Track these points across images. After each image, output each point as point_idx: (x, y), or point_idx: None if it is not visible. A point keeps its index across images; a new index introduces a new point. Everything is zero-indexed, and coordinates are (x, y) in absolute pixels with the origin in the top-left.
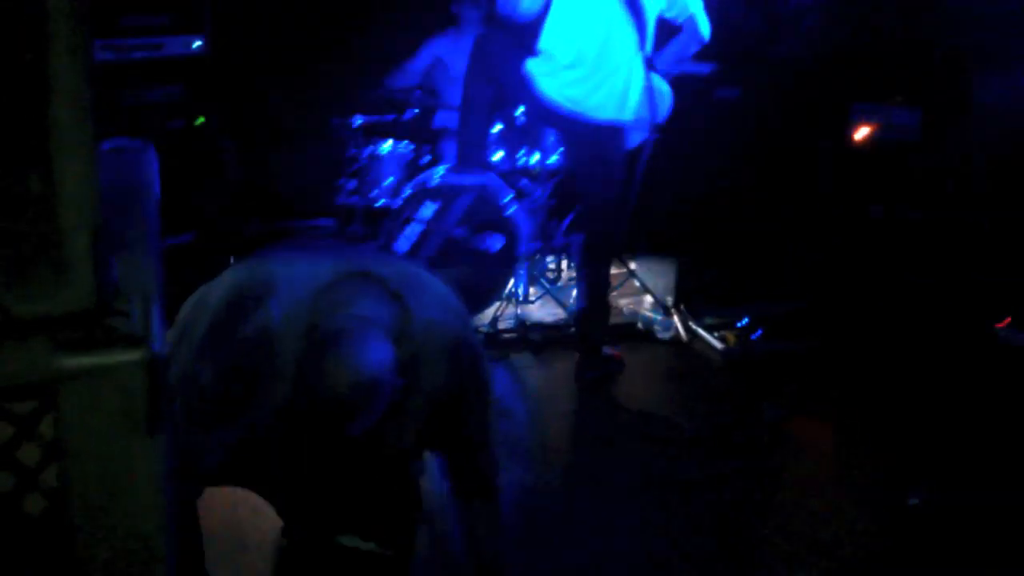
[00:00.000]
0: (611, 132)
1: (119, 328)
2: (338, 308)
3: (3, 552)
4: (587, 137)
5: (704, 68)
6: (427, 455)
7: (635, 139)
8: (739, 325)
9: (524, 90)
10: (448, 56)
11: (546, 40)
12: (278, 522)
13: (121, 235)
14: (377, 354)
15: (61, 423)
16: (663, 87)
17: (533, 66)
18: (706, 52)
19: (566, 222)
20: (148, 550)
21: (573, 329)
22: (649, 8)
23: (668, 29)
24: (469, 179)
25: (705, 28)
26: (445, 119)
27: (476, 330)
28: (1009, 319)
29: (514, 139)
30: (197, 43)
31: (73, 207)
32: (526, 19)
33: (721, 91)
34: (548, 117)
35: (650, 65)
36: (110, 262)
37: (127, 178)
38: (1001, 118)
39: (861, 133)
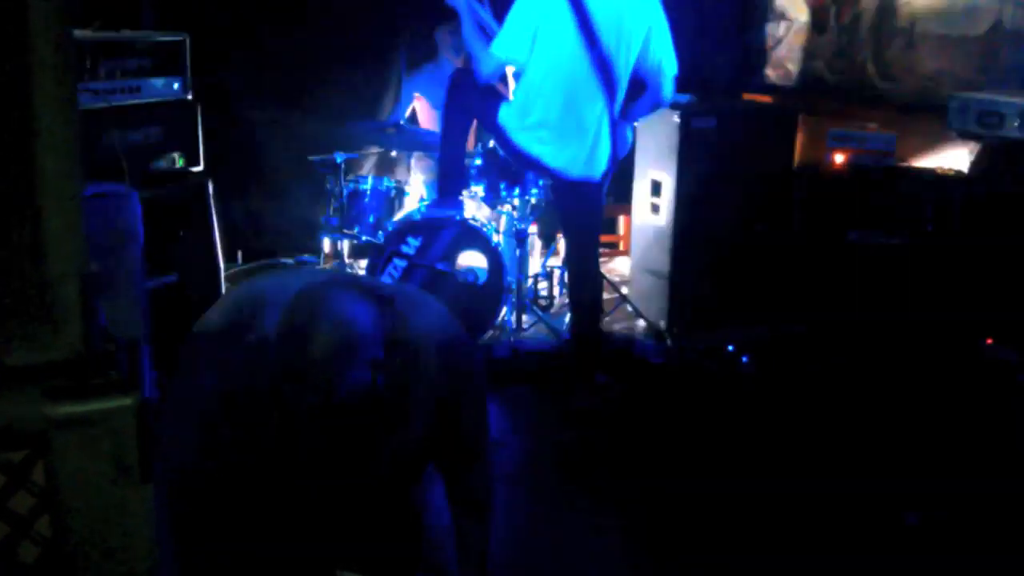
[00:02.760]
0: (583, 183)
1: (109, 375)
2: (319, 299)
3: None
4: (561, 184)
5: (682, 98)
6: (427, 488)
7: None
8: (731, 349)
9: (499, 135)
10: (427, 90)
11: (519, 95)
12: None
13: (108, 279)
14: (355, 309)
15: (54, 471)
16: (627, 131)
17: (505, 118)
18: (683, 83)
19: (550, 251)
20: None
21: (566, 357)
22: (620, 71)
23: (636, 81)
24: (451, 212)
25: (668, 92)
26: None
27: (473, 342)
28: (990, 339)
29: (496, 171)
30: (175, 84)
31: (61, 256)
32: (488, 82)
33: (698, 121)
34: (524, 164)
35: (620, 116)
36: (98, 309)
37: (112, 223)
38: (975, 140)
39: (837, 159)
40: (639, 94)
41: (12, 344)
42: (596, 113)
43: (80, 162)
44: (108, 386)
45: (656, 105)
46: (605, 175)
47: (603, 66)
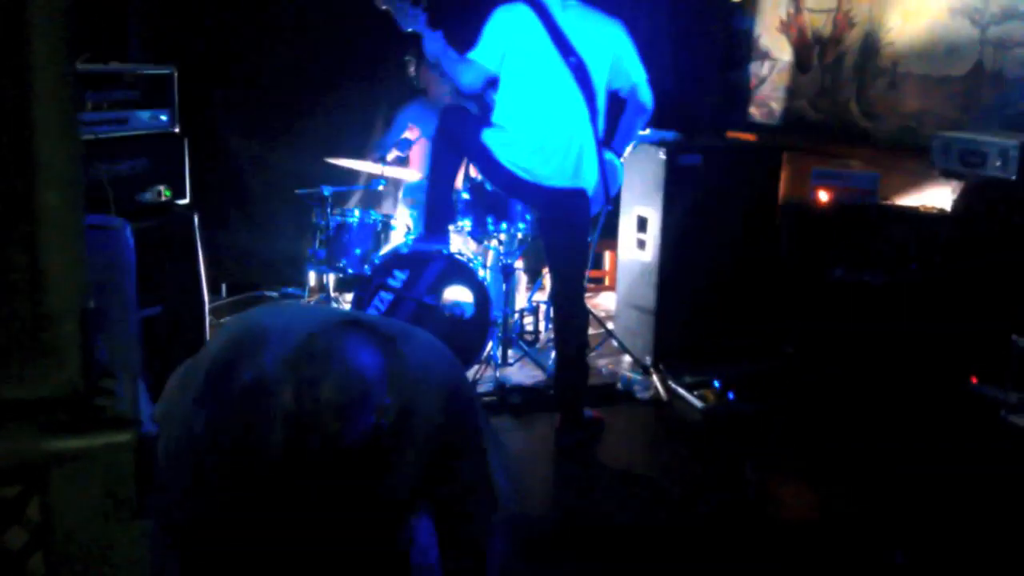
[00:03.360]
0: (572, 197)
1: (107, 410)
2: (329, 346)
3: None
4: (550, 204)
5: (668, 135)
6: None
7: (592, 208)
8: (716, 384)
9: (484, 160)
10: (420, 124)
11: (498, 113)
12: None
13: (104, 314)
14: (365, 358)
15: (48, 507)
16: (616, 162)
17: (489, 137)
18: (669, 120)
19: (536, 286)
20: None
21: (552, 391)
22: (597, 81)
23: (616, 101)
24: (438, 246)
25: (647, 97)
26: (414, 185)
27: (468, 378)
28: (975, 377)
29: (482, 206)
30: (163, 116)
31: (61, 291)
32: (470, 91)
33: (684, 158)
34: (510, 186)
35: (604, 141)
36: (97, 344)
37: (107, 256)
38: (957, 179)
39: (821, 197)
40: (620, 110)
41: (9, 378)
42: (579, 126)
43: (82, 196)
44: (106, 421)
45: (639, 114)
46: (598, 212)
47: (581, 75)
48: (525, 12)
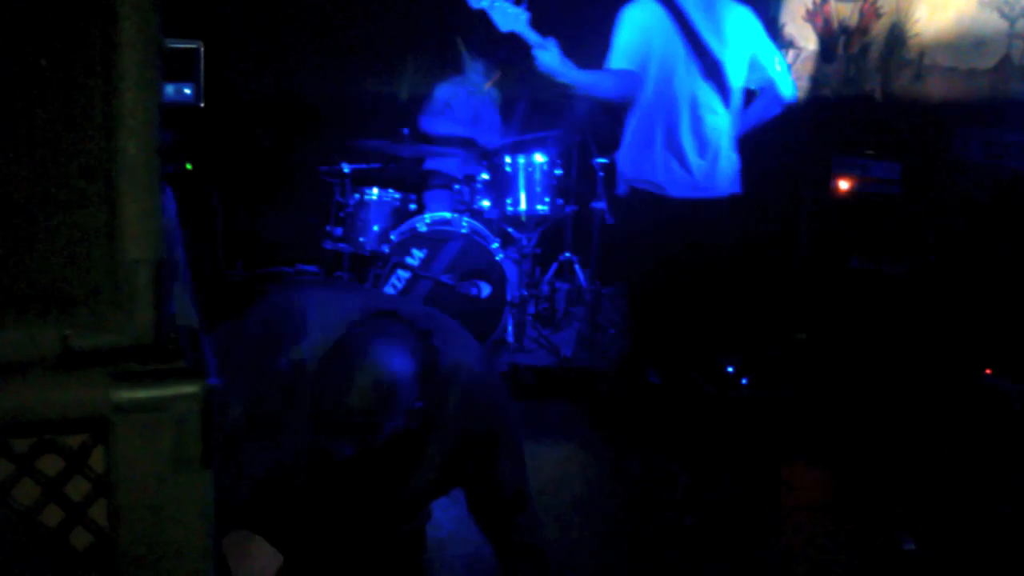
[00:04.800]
0: (708, 207)
1: (176, 361)
2: (362, 346)
3: None
4: (680, 218)
5: None
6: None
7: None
8: (729, 371)
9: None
10: (453, 101)
11: (632, 119)
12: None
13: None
14: (398, 362)
15: (113, 457)
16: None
17: (622, 156)
18: None
19: (552, 269)
20: None
21: (565, 373)
22: (734, 81)
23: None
24: (457, 225)
25: (787, 90)
26: (435, 164)
27: (497, 372)
28: (989, 369)
29: (501, 187)
30: (188, 90)
31: (137, 239)
32: (621, 100)
33: None
34: (635, 206)
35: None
36: (170, 296)
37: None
38: (980, 172)
39: (842, 186)
40: (749, 101)
41: (81, 325)
42: (717, 128)
43: (158, 148)
44: (176, 372)
45: (773, 106)
46: (730, 199)
47: (717, 77)
48: (656, 10)
